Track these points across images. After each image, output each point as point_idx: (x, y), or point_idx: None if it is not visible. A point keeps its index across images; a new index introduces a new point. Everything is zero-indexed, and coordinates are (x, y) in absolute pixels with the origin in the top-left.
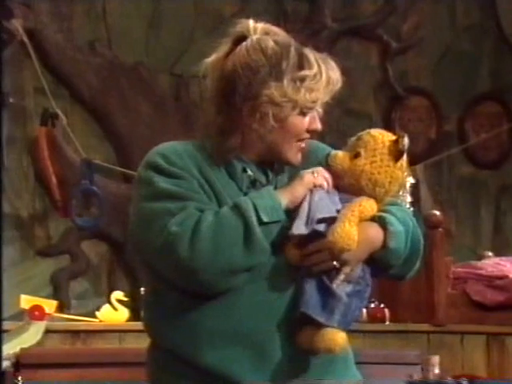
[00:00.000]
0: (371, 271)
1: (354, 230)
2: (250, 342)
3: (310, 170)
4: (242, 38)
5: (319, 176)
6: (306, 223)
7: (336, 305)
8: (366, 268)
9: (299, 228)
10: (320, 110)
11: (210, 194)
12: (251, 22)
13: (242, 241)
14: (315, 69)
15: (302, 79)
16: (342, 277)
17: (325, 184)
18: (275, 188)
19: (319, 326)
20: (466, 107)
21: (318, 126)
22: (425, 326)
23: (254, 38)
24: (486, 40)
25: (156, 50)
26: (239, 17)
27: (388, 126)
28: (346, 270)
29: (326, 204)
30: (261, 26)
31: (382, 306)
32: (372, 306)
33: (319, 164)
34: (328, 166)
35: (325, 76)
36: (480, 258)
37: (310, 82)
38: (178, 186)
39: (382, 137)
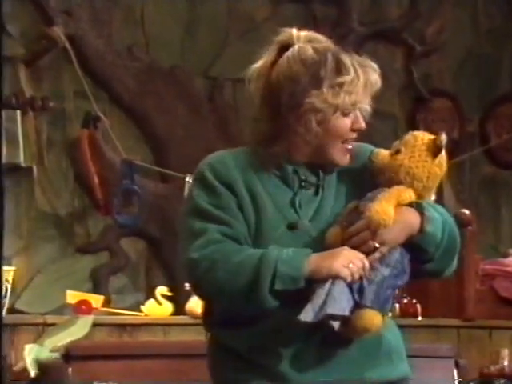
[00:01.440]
0: (411, 265)
1: (391, 208)
2: (292, 341)
3: (347, 257)
4: (286, 46)
5: (353, 266)
6: (316, 312)
7: (367, 285)
8: (405, 253)
9: (308, 315)
10: (367, 107)
11: (249, 205)
12: (294, 31)
13: (249, 297)
14: (352, 73)
15: (341, 84)
16: (377, 255)
17: (350, 277)
18: (323, 189)
19: (356, 309)
20: (487, 109)
21: (362, 124)
22: (455, 321)
23: (296, 47)
24: (507, 43)
25: (191, 54)
26: (270, 21)
27: (412, 127)
28: (384, 249)
29: (342, 300)
30: (304, 34)
31: (414, 301)
32: (405, 301)
33: (365, 164)
34: (371, 163)
35: (362, 79)
36: (504, 255)
37: (348, 86)
38: (213, 204)
39: (422, 135)
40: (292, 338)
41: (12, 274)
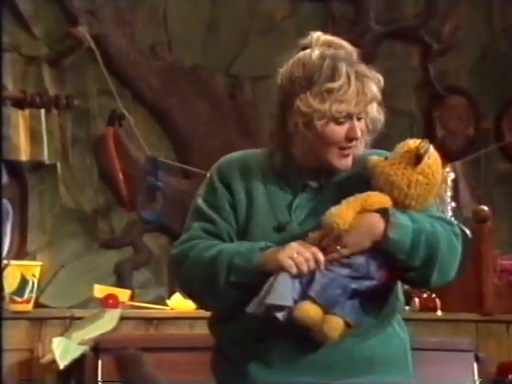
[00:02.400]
0: (395, 271)
1: (348, 212)
2: (263, 339)
3: (294, 249)
4: (305, 49)
5: (298, 257)
6: (258, 304)
7: (318, 278)
8: (372, 261)
9: (251, 307)
10: (376, 115)
11: (243, 206)
12: (316, 34)
13: (208, 286)
14: (341, 81)
15: (328, 91)
16: (336, 255)
17: (294, 268)
18: (321, 193)
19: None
20: (502, 106)
21: (356, 134)
22: (473, 316)
23: (308, 50)
24: None
25: (213, 53)
26: (289, 20)
27: (429, 124)
28: (344, 251)
29: (284, 290)
30: (324, 38)
31: (433, 296)
32: (424, 296)
33: (363, 170)
34: (365, 170)
35: (353, 88)
36: None
37: (337, 93)
38: (207, 203)
39: (411, 142)
40: (264, 337)
41: (39, 269)
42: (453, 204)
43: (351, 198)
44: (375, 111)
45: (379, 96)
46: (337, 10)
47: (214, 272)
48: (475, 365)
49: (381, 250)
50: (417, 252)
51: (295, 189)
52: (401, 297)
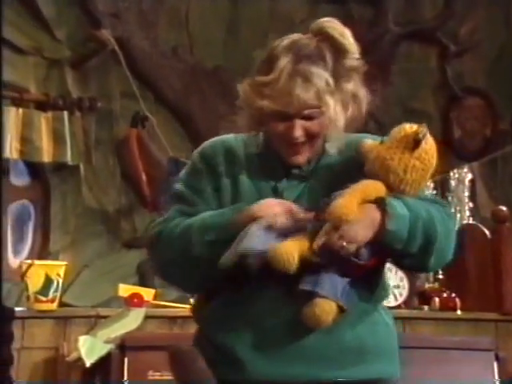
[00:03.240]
0: (390, 259)
1: (352, 204)
2: (252, 326)
3: (269, 202)
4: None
5: (267, 209)
6: (231, 254)
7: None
8: (366, 249)
9: (223, 259)
10: (324, 114)
11: (228, 188)
12: (319, 20)
13: (183, 258)
14: (272, 76)
15: (260, 84)
16: (342, 251)
17: (267, 220)
18: (309, 177)
19: (313, 297)
20: None
21: (294, 134)
22: (493, 315)
23: (291, 37)
24: None
25: (233, 54)
26: (308, 21)
27: (446, 125)
28: (352, 247)
29: (256, 238)
30: (321, 25)
31: (453, 295)
32: (444, 295)
33: (354, 154)
34: (357, 153)
35: (281, 86)
36: None
37: (265, 88)
38: (188, 184)
39: (408, 127)
40: (252, 319)
41: (64, 268)
42: (470, 204)
43: (350, 190)
44: (335, 111)
45: (314, 102)
46: (355, 12)
47: (188, 237)
48: (495, 364)
49: (376, 240)
50: (414, 240)
51: (278, 174)
52: (386, 285)
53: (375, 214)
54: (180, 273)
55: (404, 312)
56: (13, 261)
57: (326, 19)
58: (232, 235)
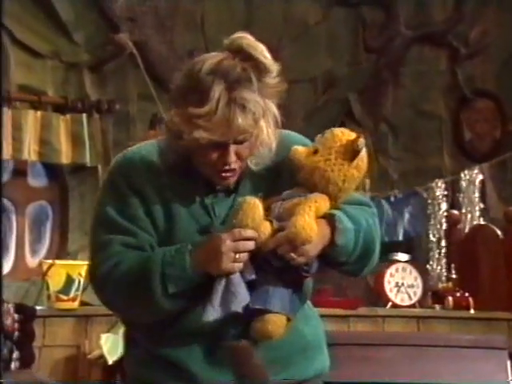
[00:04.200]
0: (325, 266)
1: (314, 224)
2: (203, 338)
3: (230, 253)
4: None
5: (239, 258)
6: (217, 310)
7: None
8: (316, 263)
9: (209, 314)
10: (256, 137)
11: (159, 212)
12: (235, 36)
13: (145, 305)
14: (207, 108)
15: (194, 116)
16: (293, 262)
17: (237, 269)
18: (236, 189)
19: (264, 313)
20: None
21: (229, 160)
22: (506, 314)
23: (208, 57)
24: None
25: None
26: (322, 24)
27: (456, 127)
28: (301, 259)
29: (241, 293)
30: (239, 42)
31: (466, 295)
32: (457, 294)
33: (285, 160)
34: (289, 160)
35: (219, 117)
36: None
37: (200, 120)
38: (120, 213)
39: (341, 135)
40: (203, 337)
41: (85, 268)
42: (481, 205)
43: (304, 206)
44: (264, 133)
45: (252, 129)
46: (367, 15)
47: (146, 285)
48: (508, 362)
49: (324, 252)
50: (355, 251)
51: (202, 188)
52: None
53: (326, 230)
54: (133, 310)
55: (418, 311)
56: (30, 260)
57: (241, 35)
58: (197, 281)
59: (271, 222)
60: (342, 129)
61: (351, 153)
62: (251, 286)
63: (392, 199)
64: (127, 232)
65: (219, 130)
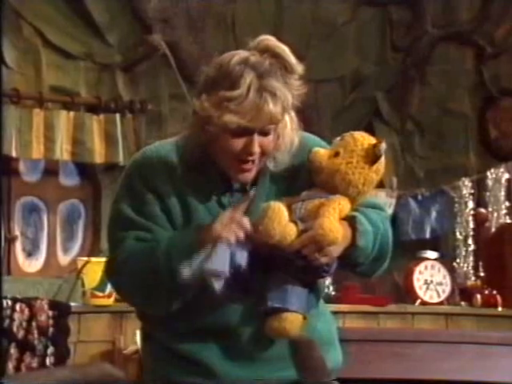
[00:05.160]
0: (341, 267)
1: (339, 227)
2: (219, 334)
3: (221, 221)
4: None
5: (230, 229)
6: (194, 268)
7: (298, 293)
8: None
9: (186, 270)
10: (280, 131)
11: (176, 208)
12: (260, 38)
13: (149, 284)
14: (239, 91)
15: (225, 99)
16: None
17: (232, 238)
18: (252, 188)
19: (281, 312)
20: None
21: (252, 150)
22: None
23: (240, 52)
24: None
25: None
26: (350, 24)
27: (482, 125)
28: (324, 259)
29: (222, 259)
30: (266, 43)
31: (494, 292)
32: (486, 292)
33: (303, 162)
34: (309, 162)
35: (250, 101)
36: None
37: (231, 103)
38: (136, 210)
39: (362, 139)
40: (218, 333)
41: None
42: (507, 203)
43: (329, 208)
44: (288, 128)
45: (281, 117)
46: (395, 15)
47: (154, 264)
48: None
49: (344, 253)
50: (373, 253)
51: (220, 187)
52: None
53: (348, 232)
54: (147, 298)
55: (446, 308)
56: (62, 258)
57: (266, 37)
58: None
59: (296, 223)
60: (362, 133)
61: (372, 157)
62: (266, 284)
63: (419, 197)
64: (143, 228)
65: (249, 114)
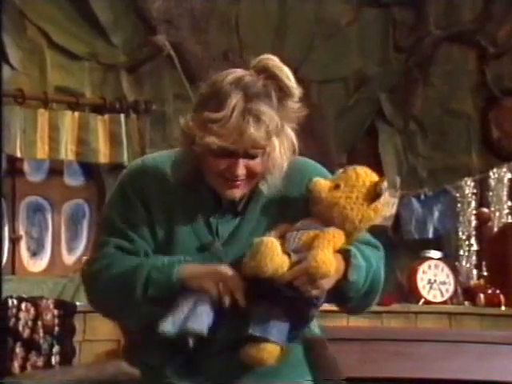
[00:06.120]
0: (330, 300)
1: (332, 259)
2: (183, 351)
3: (221, 276)
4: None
5: (224, 287)
6: (176, 325)
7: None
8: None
9: (167, 326)
10: (269, 153)
11: (162, 224)
12: (261, 57)
13: (125, 303)
14: (223, 113)
15: (209, 120)
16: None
17: (216, 296)
18: (244, 211)
19: (261, 341)
20: None
21: (234, 173)
22: None
23: (234, 72)
24: None
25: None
26: (353, 25)
27: (484, 125)
28: (315, 292)
29: (204, 317)
30: (265, 63)
31: (497, 292)
32: (489, 292)
33: (300, 189)
34: (307, 191)
35: (232, 124)
36: None
37: (215, 125)
38: (123, 217)
39: (364, 176)
40: (193, 360)
41: None
42: (509, 203)
43: (323, 240)
44: (277, 152)
45: (264, 142)
46: (398, 15)
47: (130, 286)
48: None
49: (336, 286)
50: (363, 289)
51: (210, 207)
52: None
53: (341, 265)
54: (119, 312)
55: (450, 308)
56: (67, 258)
57: (267, 57)
58: (176, 293)
59: (289, 254)
60: (366, 169)
61: (373, 194)
62: (249, 310)
63: (422, 197)
64: (124, 236)
65: (231, 137)
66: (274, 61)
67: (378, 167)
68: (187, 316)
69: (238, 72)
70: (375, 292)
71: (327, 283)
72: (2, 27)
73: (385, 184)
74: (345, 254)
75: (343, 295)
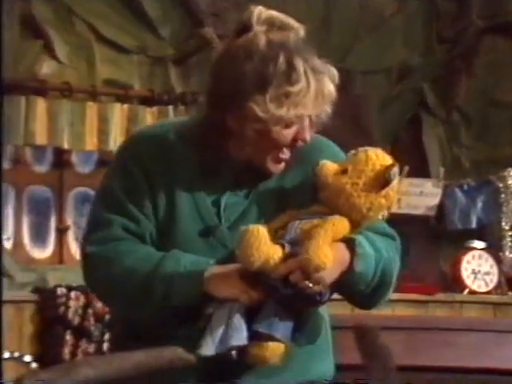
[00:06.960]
0: (339, 295)
1: (329, 250)
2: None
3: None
4: (245, 29)
5: (249, 296)
6: (217, 345)
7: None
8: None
9: (209, 348)
10: (322, 115)
11: (163, 201)
12: (257, 9)
13: (140, 306)
14: (301, 83)
15: (287, 95)
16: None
17: (243, 298)
18: (255, 192)
19: (265, 339)
20: None
21: (306, 137)
22: None
23: (250, 35)
24: None
25: (326, 48)
26: (397, 16)
27: None
28: (317, 288)
29: (242, 329)
30: (266, 15)
31: None
32: None
33: (309, 173)
34: (314, 176)
35: (312, 90)
36: None
37: (295, 97)
38: (127, 193)
39: (375, 159)
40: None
41: None
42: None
43: (320, 230)
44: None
45: (335, 93)
46: (441, 6)
47: (148, 289)
48: None
49: (341, 279)
50: (374, 281)
51: (224, 186)
52: None
53: (345, 255)
54: (121, 306)
55: (495, 297)
56: None
57: (260, 8)
58: (201, 301)
59: (283, 245)
60: (378, 151)
61: (381, 181)
62: (255, 309)
63: (465, 187)
64: (130, 216)
65: (312, 103)
66: (268, 10)
67: (421, 157)
68: (226, 331)
69: (256, 34)
70: (388, 284)
71: (329, 277)
72: (2, 27)
73: (395, 169)
74: (349, 243)
75: (351, 288)
